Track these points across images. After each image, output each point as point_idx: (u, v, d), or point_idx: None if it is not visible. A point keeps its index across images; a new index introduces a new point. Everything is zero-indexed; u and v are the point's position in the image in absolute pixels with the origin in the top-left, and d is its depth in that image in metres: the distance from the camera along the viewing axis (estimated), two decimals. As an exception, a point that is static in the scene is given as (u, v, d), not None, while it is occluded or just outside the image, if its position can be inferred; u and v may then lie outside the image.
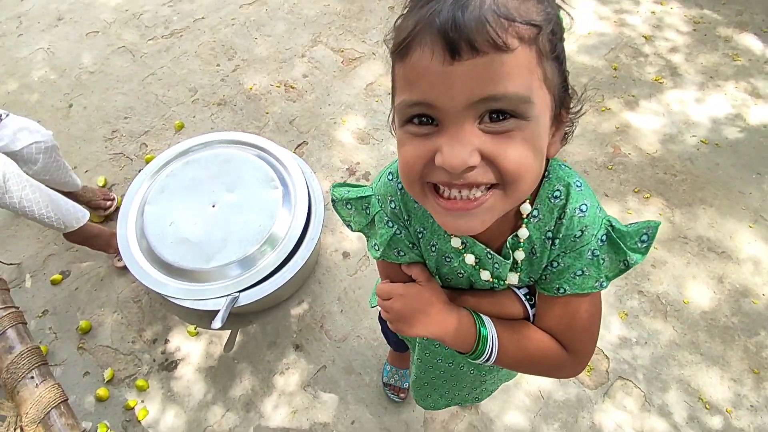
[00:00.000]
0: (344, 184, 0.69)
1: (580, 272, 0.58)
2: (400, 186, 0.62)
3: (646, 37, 2.55)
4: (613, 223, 0.57)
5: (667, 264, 1.83)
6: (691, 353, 1.64)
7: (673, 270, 1.81)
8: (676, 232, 1.90)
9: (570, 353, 0.62)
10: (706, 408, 1.54)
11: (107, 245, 1.76)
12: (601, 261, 0.57)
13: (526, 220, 0.58)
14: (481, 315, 0.65)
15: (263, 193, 1.59)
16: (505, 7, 0.39)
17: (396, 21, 0.47)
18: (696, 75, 2.39)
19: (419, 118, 0.44)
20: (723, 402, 1.56)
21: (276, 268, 1.48)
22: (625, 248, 0.56)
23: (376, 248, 0.67)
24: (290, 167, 1.68)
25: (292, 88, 2.39)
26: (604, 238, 0.56)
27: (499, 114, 0.41)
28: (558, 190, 0.56)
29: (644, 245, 0.57)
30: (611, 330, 1.69)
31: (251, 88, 2.38)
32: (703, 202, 1.97)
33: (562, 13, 0.45)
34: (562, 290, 0.59)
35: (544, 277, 0.61)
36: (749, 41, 2.52)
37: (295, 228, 1.56)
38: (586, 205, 0.56)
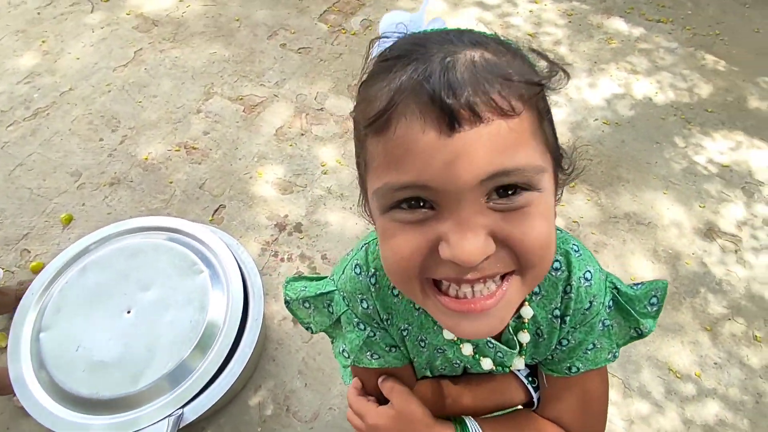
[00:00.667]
0: (299, 278, 0.58)
1: (591, 346, 0.52)
2: (373, 281, 0.52)
3: (531, 35, 2.69)
4: (618, 286, 0.52)
5: (607, 246, 1.89)
6: (650, 328, 1.70)
7: (614, 250, 1.88)
8: (606, 214, 1.99)
9: None
10: (678, 377, 1.60)
11: (1, 386, 1.43)
12: (612, 329, 0.52)
13: (528, 297, 0.51)
14: (463, 419, 0.56)
15: (186, 281, 1.39)
16: (498, 66, 0.34)
17: (360, 88, 0.40)
18: (582, 62, 2.56)
19: (409, 202, 0.36)
20: (690, 367, 1.62)
21: (221, 366, 1.28)
22: (635, 314, 0.51)
23: (345, 355, 0.55)
24: (211, 243, 1.49)
25: (194, 148, 2.18)
26: (611, 303, 0.52)
27: (509, 189, 0.35)
28: (557, 260, 0.50)
29: (654, 308, 0.53)
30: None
31: (146, 158, 2.13)
32: (620, 180, 2.09)
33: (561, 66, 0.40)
34: (574, 369, 0.53)
35: (551, 357, 0.54)
36: (617, 24, 2.76)
37: (234, 311, 1.37)
38: (590, 272, 0.50)
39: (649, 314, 0.52)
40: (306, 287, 0.56)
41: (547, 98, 0.39)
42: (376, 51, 0.40)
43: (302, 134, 2.24)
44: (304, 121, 2.29)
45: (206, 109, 2.33)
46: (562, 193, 0.47)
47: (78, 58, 2.52)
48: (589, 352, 0.52)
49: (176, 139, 2.21)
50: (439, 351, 0.56)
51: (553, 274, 0.51)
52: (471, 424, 0.56)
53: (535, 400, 0.58)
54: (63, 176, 2.07)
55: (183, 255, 1.44)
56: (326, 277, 0.58)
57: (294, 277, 0.59)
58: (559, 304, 0.51)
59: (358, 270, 0.54)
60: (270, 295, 1.74)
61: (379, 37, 0.40)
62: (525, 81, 0.34)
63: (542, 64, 0.39)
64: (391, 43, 0.39)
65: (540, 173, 0.35)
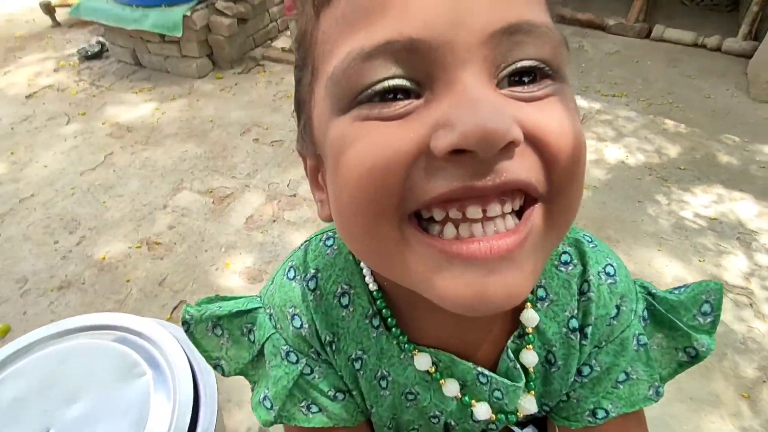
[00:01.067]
0: (214, 298, 0.40)
1: (624, 376, 0.37)
2: (311, 285, 0.37)
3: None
4: (653, 291, 0.37)
5: (612, 311, 1.72)
6: (681, 402, 1.45)
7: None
8: (603, 276, 1.84)
9: None
10: (730, 462, 1.32)
11: None
12: (650, 351, 0.37)
13: (531, 297, 0.36)
14: None
15: (124, 388, 1.14)
16: None
17: None
18: (549, 134, 2.63)
19: (383, 95, 0.24)
20: (741, 447, 1.35)
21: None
22: (683, 326, 0.36)
23: (267, 405, 0.37)
24: (159, 339, 1.27)
25: (157, 244, 2.04)
26: (646, 314, 0.37)
27: (525, 74, 0.24)
28: (565, 252, 0.37)
29: (709, 319, 0.38)
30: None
31: (103, 258, 1.97)
32: (610, 240, 1.98)
33: None
34: (601, 414, 0.37)
35: (567, 399, 0.38)
36: (578, 102, 2.91)
37: (180, 422, 1.11)
38: (611, 266, 0.36)
39: (701, 327, 0.37)
40: (220, 307, 0.39)
41: None
42: None
43: (274, 221, 2.14)
44: (276, 208, 2.20)
45: (173, 204, 2.24)
46: None
47: (46, 166, 2.48)
48: (621, 386, 0.37)
49: (138, 235, 2.08)
50: (409, 396, 0.38)
51: (563, 269, 0.37)
52: None
53: None
54: (7, 284, 1.87)
55: (123, 356, 1.21)
56: (247, 295, 0.41)
57: (208, 297, 0.41)
58: (575, 311, 0.36)
59: (292, 273, 0.39)
60: (233, 402, 1.47)
61: None
62: None
63: None
64: None
65: (561, 47, 0.25)
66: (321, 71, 0.26)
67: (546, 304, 0.36)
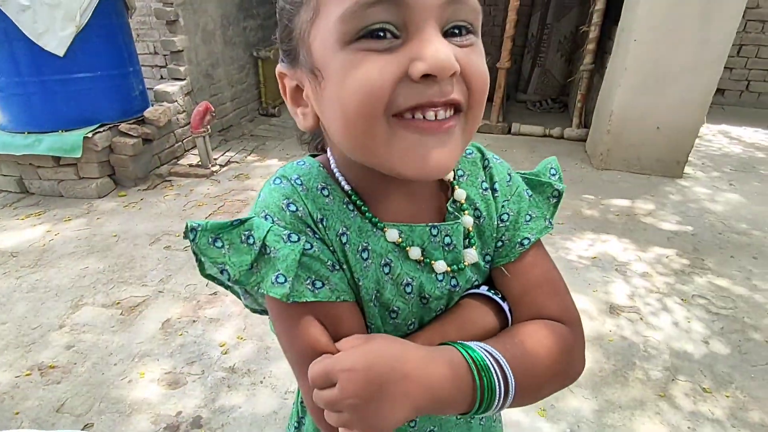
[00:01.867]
0: (204, 222, 0.44)
1: (528, 217, 0.52)
2: (298, 183, 0.46)
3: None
4: (519, 172, 0.57)
5: None
6: (612, 412, 1.56)
7: None
8: None
9: (567, 325, 0.50)
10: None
11: None
12: (535, 199, 0.54)
13: (454, 181, 0.51)
14: (465, 343, 0.45)
15: None
16: None
17: None
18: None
19: (374, 33, 0.36)
20: (672, 441, 1.47)
21: None
22: (548, 180, 0.55)
23: (281, 282, 0.41)
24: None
25: (52, 368, 1.77)
26: (523, 181, 0.55)
27: (459, 29, 0.39)
28: (469, 149, 0.55)
29: (556, 175, 0.56)
30: (545, 435, 1.48)
31: (-20, 395, 1.64)
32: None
33: None
34: (526, 241, 0.51)
35: (501, 244, 0.52)
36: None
37: None
38: (495, 156, 0.55)
39: (554, 180, 0.55)
40: (217, 222, 0.44)
41: None
42: None
43: (194, 321, 2.01)
44: (195, 308, 2.09)
45: (72, 322, 2.00)
46: None
47: None
48: (529, 222, 0.52)
49: (27, 362, 1.79)
50: (386, 268, 0.47)
51: (468, 157, 0.54)
52: (474, 344, 0.44)
53: (508, 315, 0.50)
54: None
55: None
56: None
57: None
58: (484, 177, 0.53)
59: (279, 181, 0.46)
60: None
61: None
62: None
63: None
64: None
65: (479, 16, 0.40)
66: (325, 12, 0.38)
67: (465, 177, 0.53)
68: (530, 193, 0.54)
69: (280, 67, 0.45)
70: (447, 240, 0.49)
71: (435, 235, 0.49)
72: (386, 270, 0.47)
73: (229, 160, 3.77)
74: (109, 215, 2.93)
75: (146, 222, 2.84)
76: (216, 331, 1.95)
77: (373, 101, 0.36)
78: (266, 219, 0.43)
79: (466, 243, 0.51)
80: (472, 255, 0.50)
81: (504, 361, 0.43)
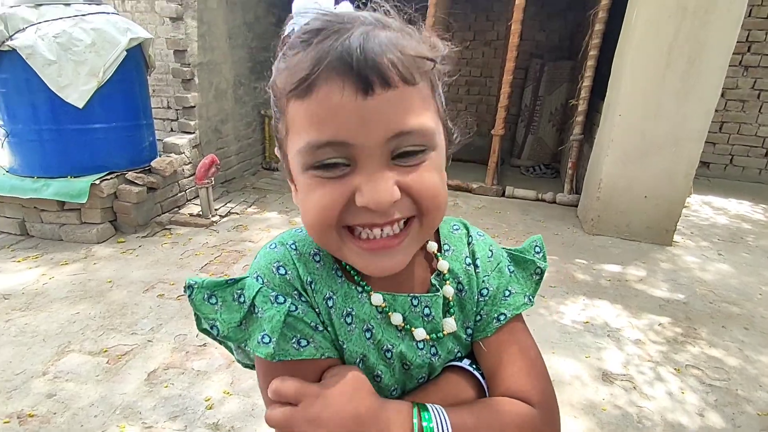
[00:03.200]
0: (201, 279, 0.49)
1: (507, 292, 0.55)
2: (293, 248, 0.50)
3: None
4: (505, 249, 0.60)
5: None
6: (609, 488, 1.51)
7: (536, 415, 1.80)
8: None
9: (536, 407, 0.50)
10: None
11: None
12: (517, 275, 0.57)
13: (439, 254, 0.55)
14: (424, 403, 0.48)
15: None
16: (402, 44, 0.41)
17: (280, 60, 0.45)
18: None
19: (327, 164, 0.42)
20: None
21: None
22: (530, 258, 0.58)
23: (266, 342, 0.45)
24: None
25: (30, 416, 1.71)
26: (508, 258, 0.58)
27: (408, 154, 0.42)
28: (454, 225, 0.59)
29: (540, 254, 0.59)
30: None
31: (-49, 444, 1.58)
32: (512, 350, 2.19)
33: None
34: (502, 317, 0.53)
35: (480, 318, 0.54)
36: (459, 241, 3.43)
37: None
38: (480, 234, 0.59)
39: (539, 258, 0.58)
40: (215, 280, 0.49)
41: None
42: (289, 28, 0.47)
43: (181, 373, 1.97)
44: (183, 359, 2.06)
45: (56, 369, 1.96)
46: (449, 163, 0.54)
47: None
48: (508, 298, 0.54)
49: (7, 409, 1.74)
50: (367, 333, 0.50)
51: (455, 233, 0.58)
52: (432, 407, 0.46)
53: (486, 390, 0.52)
54: None
55: None
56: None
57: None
58: (468, 254, 0.57)
59: (274, 246, 0.51)
60: None
61: (293, 17, 0.48)
62: (425, 57, 0.42)
63: (437, 44, 0.48)
64: (307, 20, 0.44)
65: (433, 135, 0.43)
66: (291, 135, 0.44)
67: (450, 252, 0.56)
68: (512, 269, 0.57)
69: (276, 151, 0.51)
70: (426, 311, 0.52)
71: (415, 305, 0.52)
72: (368, 335, 0.50)
73: (229, 212, 3.85)
74: (106, 261, 2.95)
75: (142, 269, 2.86)
76: (202, 384, 1.91)
77: (324, 220, 0.43)
78: (257, 280, 0.48)
79: (446, 313, 0.54)
80: (450, 324, 0.52)
81: (449, 426, 0.44)
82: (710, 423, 1.80)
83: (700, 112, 3.20)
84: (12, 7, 2.94)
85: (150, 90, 3.79)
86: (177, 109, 4.41)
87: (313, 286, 0.49)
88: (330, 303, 0.49)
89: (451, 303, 0.54)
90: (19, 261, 2.92)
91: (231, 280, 0.48)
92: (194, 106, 3.99)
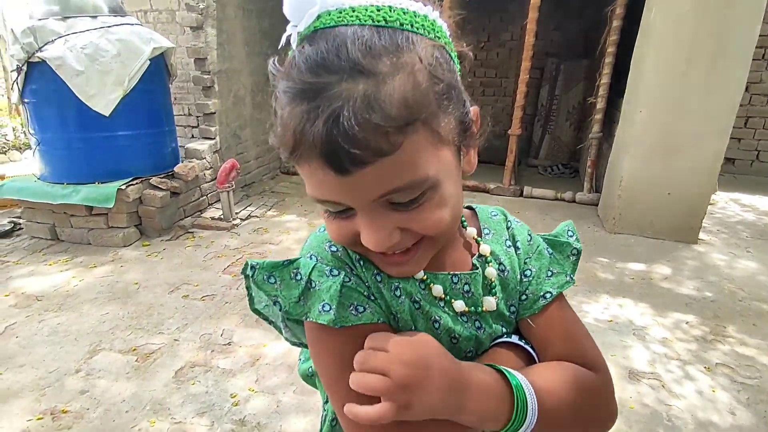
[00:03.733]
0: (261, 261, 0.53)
1: (550, 272, 0.57)
2: None
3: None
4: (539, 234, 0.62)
5: None
6: (638, 486, 1.48)
7: (561, 413, 1.78)
8: None
9: (594, 370, 0.53)
10: None
11: None
12: (557, 258, 0.59)
13: (479, 239, 0.58)
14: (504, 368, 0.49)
15: None
16: (382, 105, 0.37)
17: (276, 104, 0.42)
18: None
19: (331, 209, 0.45)
20: None
21: None
22: (567, 240, 0.60)
23: (327, 309, 0.47)
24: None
25: (64, 412, 1.77)
26: (545, 242, 0.60)
27: (405, 203, 0.42)
28: (492, 211, 0.62)
29: (574, 236, 0.61)
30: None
31: (-9, 438, 1.64)
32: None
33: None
34: (548, 294, 0.55)
35: (525, 297, 0.56)
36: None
37: None
38: (516, 220, 0.62)
39: (573, 240, 0.60)
40: (272, 261, 0.51)
41: (445, 95, 0.42)
42: (285, 38, 0.45)
43: (207, 371, 2.01)
44: (209, 357, 2.10)
45: (88, 367, 2.03)
46: (477, 154, 0.52)
47: (-76, 345, 2.15)
48: (551, 278, 0.56)
49: (41, 406, 1.80)
50: (415, 304, 0.52)
51: (494, 218, 0.61)
52: (503, 368, 0.48)
53: (537, 361, 0.54)
54: None
55: None
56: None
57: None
58: (507, 236, 0.59)
59: (322, 229, 0.54)
60: None
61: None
62: (403, 122, 0.38)
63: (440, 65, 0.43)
64: (298, 48, 0.42)
65: (427, 180, 0.41)
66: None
67: (491, 235, 0.58)
68: (551, 251, 0.59)
69: None
70: (466, 288, 0.54)
71: (455, 283, 0.54)
72: (416, 306, 0.52)
73: (249, 215, 3.91)
74: (133, 263, 3.03)
75: (167, 271, 2.93)
76: (228, 381, 1.95)
77: (344, 243, 0.48)
78: (311, 259, 0.51)
79: (487, 292, 0.55)
80: (490, 302, 0.54)
81: (532, 390, 0.46)
82: (742, 421, 1.75)
83: (724, 107, 3.14)
84: (41, 19, 3.06)
85: (172, 98, 3.89)
86: (198, 116, 4.51)
87: (361, 263, 0.51)
88: (379, 278, 0.51)
89: (494, 283, 0.55)
90: (50, 264, 3.02)
91: (286, 261, 0.51)
92: (214, 113, 4.08)
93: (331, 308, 0.47)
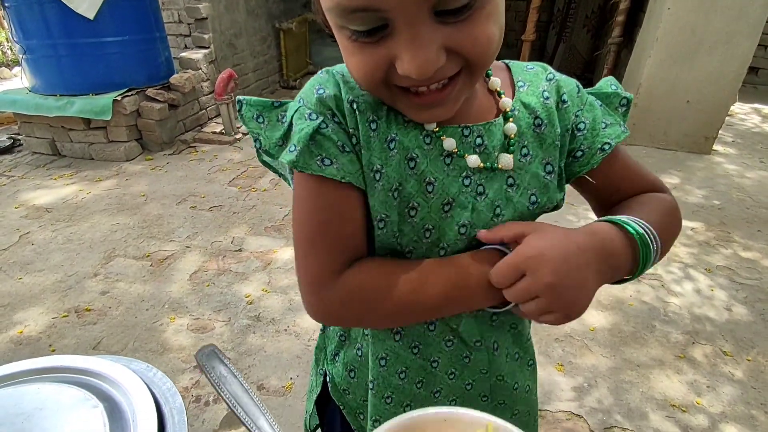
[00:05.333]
0: (251, 98, 0.51)
1: (604, 125, 0.53)
2: (340, 74, 0.48)
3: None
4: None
5: (555, 307, 1.87)
6: (631, 370, 1.58)
7: (563, 309, 1.86)
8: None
9: (669, 194, 0.56)
10: (684, 411, 1.43)
11: None
12: (608, 110, 0.54)
13: (502, 91, 0.51)
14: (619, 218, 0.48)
15: (74, 426, 1.00)
16: None
17: None
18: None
19: (361, 28, 0.37)
20: (688, 396, 1.48)
21: None
22: (615, 91, 0.55)
23: (292, 149, 0.45)
24: (113, 373, 1.15)
25: (87, 311, 1.86)
26: (585, 91, 0.55)
27: (454, 10, 0.36)
28: (529, 66, 0.54)
29: (615, 86, 0.56)
30: (562, 388, 1.51)
31: (21, 332, 1.74)
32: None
33: None
34: (607, 146, 0.51)
35: (581, 153, 0.52)
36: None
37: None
38: (561, 74, 0.54)
39: (619, 91, 0.56)
40: (265, 100, 0.49)
41: None
42: None
43: (221, 274, 2.08)
44: (222, 263, 2.16)
45: (105, 271, 2.09)
46: None
47: (-55, 252, 2.22)
48: (607, 129, 0.52)
49: (65, 305, 1.88)
50: (411, 163, 0.47)
51: (530, 70, 0.53)
52: (609, 219, 0.47)
53: None
54: None
55: (70, 394, 1.08)
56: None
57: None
58: (546, 88, 0.52)
59: (321, 72, 0.49)
60: (206, 426, 1.30)
61: None
62: None
63: None
64: None
65: None
66: None
67: (526, 87, 0.52)
68: (599, 102, 0.54)
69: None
70: (478, 141, 0.48)
71: (466, 136, 0.48)
72: (411, 165, 0.47)
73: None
74: (138, 177, 3.02)
75: (173, 184, 2.92)
76: (241, 283, 2.02)
77: (370, 80, 0.41)
78: (299, 102, 0.47)
79: (504, 149, 0.49)
80: (507, 160, 0.48)
81: (650, 227, 0.46)
82: (738, 317, 1.82)
83: (759, 2, 2.87)
84: None
85: (160, 2, 3.60)
86: (189, 23, 4.21)
87: (355, 106, 0.46)
88: (373, 126, 0.46)
89: (513, 140, 0.49)
90: (55, 179, 3.02)
91: (277, 102, 0.48)
92: (206, 18, 3.80)
93: (295, 149, 0.44)
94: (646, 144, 3.45)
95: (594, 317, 1.81)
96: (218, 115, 3.81)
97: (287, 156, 0.45)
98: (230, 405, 0.46)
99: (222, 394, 0.47)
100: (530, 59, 4.37)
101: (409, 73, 0.37)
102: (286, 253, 2.21)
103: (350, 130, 0.46)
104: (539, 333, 1.72)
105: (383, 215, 0.47)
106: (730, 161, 3.27)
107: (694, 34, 3.03)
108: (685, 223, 2.48)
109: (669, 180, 2.95)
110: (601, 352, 1.65)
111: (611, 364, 1.60)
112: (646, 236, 0.45)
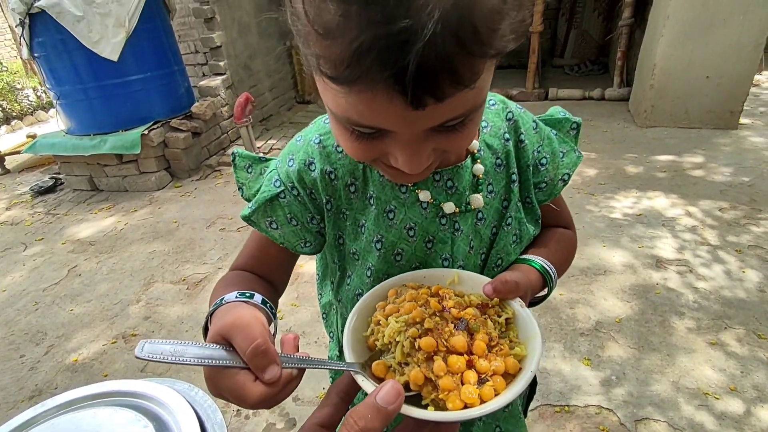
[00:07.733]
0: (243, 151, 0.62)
1: (562, 154, 0.58)
2: (317, 142, 0.53)
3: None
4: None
5: (579, 300, 1.87)
6: (660, 359, 1.57)
7: (587, 302, 1.85)
8: (565, 274, 2.02)
9: (572, 230, 0.67)
10: (717, 398, 1.41)
11: None
12: (561, 137, 0.59)
13: (480, 132, 0.55)
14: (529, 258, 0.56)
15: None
16: (471, 29, 0.29)
17: (310, 10, 0.31)
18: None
19: (362, 130, 0.37)
20: (722, 383, 1.46)
21: None
22: (565, 116, 0.60)
23: (251, 206, 0.54)
24: (159, 395, 1.25)
25: (134, 335, 2.00)
26: (542, 123, 0.59)
27: (452, 125, 0.38)
28: (490, 99, 0.56)
29: (564, 114, 0.61)
30: (590, 382, 1.52)
31: (76, 360, 1.89)
32: (561, 247, 2.21)
33: None
34: (566, 176, 0.57)
35: (545, 185, 0.57)
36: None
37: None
38: (518, 107, 0.58)
39: (569, 116, 0.61)
40: (256, 155, 0.59)
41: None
42: None
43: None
44: (252, 281, 2.26)
45: (147, 297, 2.24)
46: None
47: (4, 290, 2.42)
48: (565, 159, 0.57)
49: (113, 332, 2.03)
50: (390, 214, 0.52)
51: (491, 108, 0.55)
52: (522, 258, 0.56)
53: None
54: (-32, 406, 1.73)
55: (123, 415, 1.18)
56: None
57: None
58: (506, 129, 0.55)
59: (299, 138, 0.55)
60: (237, 460, 1.39)
61: None
62: (495, 51, 0.31)
63: None
64: None
65: (483, 102, 0.38)
66: (321, 90, 0.37)
67: (488, 128, 0.55)
68: (554, 132, 0.58)
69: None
70: (449, 184, 0.52)
71: (437, 180, 0.52)
72: (390, 217, 0.52)
73: (271, 148, 3.95)
74: (169, 204, 3.19)
75: (201, 208, 3.07)
76: (271, 299, 2.11)
77: (359, 159, 0.44)
78: (276, 164, 0.56)
79: (473, 189, 0.53)
80: (478, 200, 0.52)
81: (549, 264, 0.55)
82: (772, 297, 1.77)
83: (775, -33, 2.77)
84: (32, -33, 2.96)
85: (176, 35, 3.79)
86: (205, 52, 4.40)
87: (332, 176, 0.52)
88: (353, 189, 0.53)
89: (481, 180, 0.53)
90: (95, 213, 3.22)
91: (263, 157, 0.58)
92: (220, 46, 3.97)
93: (253, 207, 0.53)
94: (667, 125, 3.36)
95: (619, 308, 1.80)
96: (239, 137, 3.97)
97: (244, 211, 0.54)
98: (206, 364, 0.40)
99: (189, 362, 0.39)
100: (542, 50, 4.33)
101: (402, 168, 0.39)
102: (312, 267, 2.29)
103: (325, 198, 0.52)
104: (565, 329, 1.73)
105: (370, 264, 0.54)
106: (758, 134, 3.14)
107: (706, 8, 2.94)
108: (711, 204, 2.42)
109: (693, 159, 2.88)
110: (627, 344, 1.64)
111: (639, 354, 1.60)
112: (549, 272, 0.55)
